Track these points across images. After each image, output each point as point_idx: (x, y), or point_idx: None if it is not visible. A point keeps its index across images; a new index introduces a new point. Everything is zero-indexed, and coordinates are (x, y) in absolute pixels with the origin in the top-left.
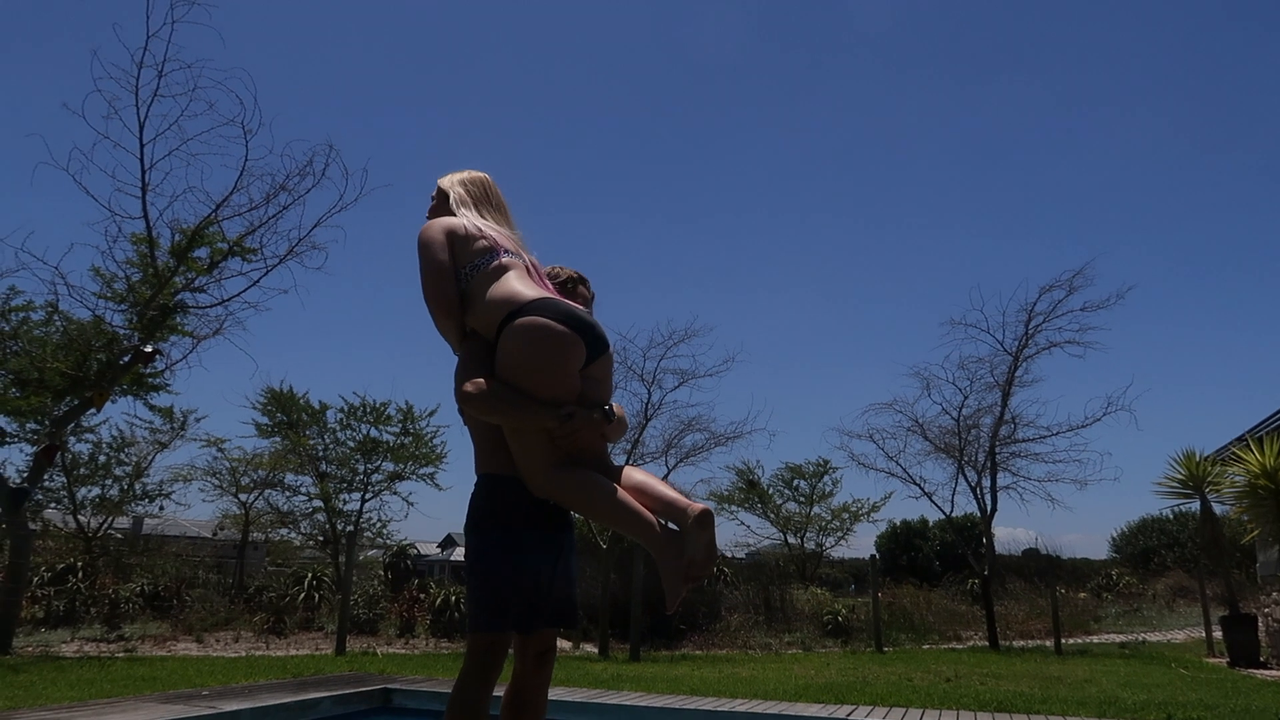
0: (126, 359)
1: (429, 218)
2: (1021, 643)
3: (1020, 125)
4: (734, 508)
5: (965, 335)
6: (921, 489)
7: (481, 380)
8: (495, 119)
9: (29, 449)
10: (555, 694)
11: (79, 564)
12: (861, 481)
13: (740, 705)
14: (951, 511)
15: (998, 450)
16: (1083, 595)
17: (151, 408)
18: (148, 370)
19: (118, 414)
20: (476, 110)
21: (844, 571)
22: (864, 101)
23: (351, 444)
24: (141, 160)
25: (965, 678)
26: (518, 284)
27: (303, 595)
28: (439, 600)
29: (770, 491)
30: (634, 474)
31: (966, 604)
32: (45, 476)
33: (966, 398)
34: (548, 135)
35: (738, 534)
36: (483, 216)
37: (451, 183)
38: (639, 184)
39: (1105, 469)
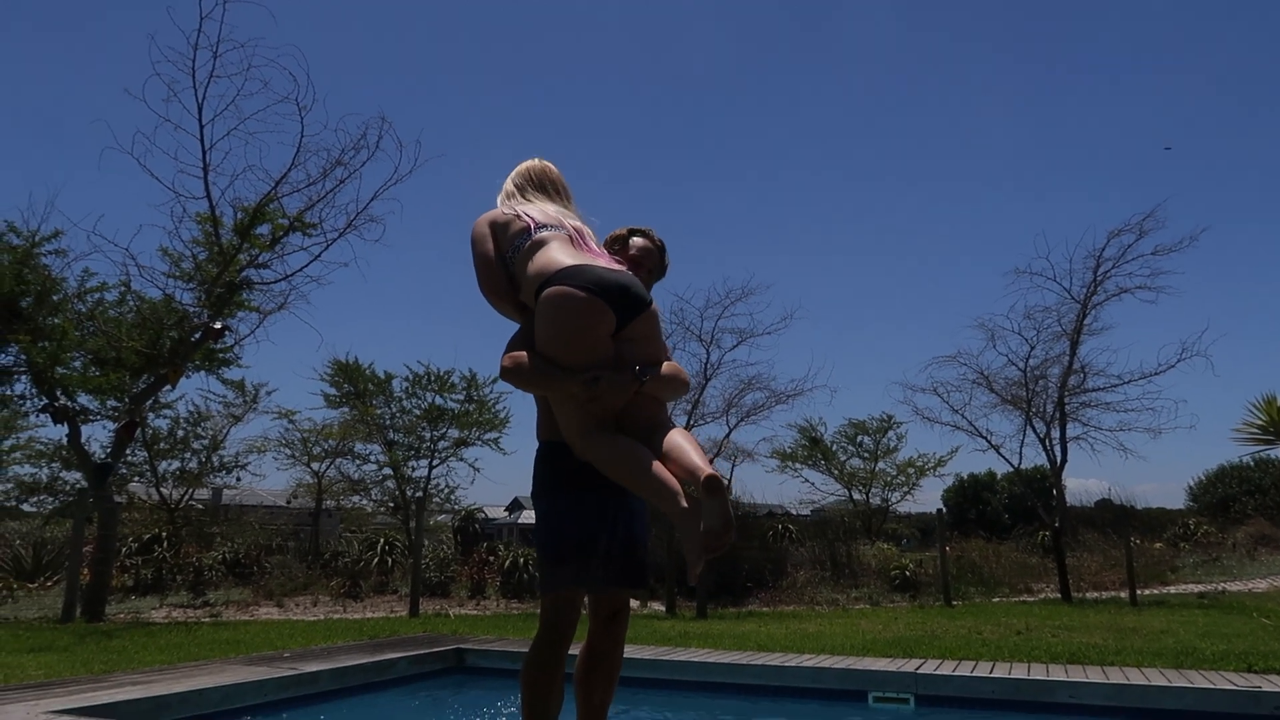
0: (197, 336)
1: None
2: (1095, 595)
3: (1084, 69)
4: (798, 465)
5: (1031, 284)
6: (988, 442)
7: (517, 354)
8: (550, 87)
9: (110, 425)
10: (624, 652)
11: (164, 534)
12: (926, 436)
13: (808, 660)
14: (1020, 464)
15: (1067, 400)
16: (1158, 545)
17: (224, 382)
18: (218, 346)
19: (192, 389)
20: (532, 79)
21: (910, 526)
22: (920, 55)
23: (417, 412)
24: (202, 141)
25: (1036, 630)
26: (555, 254)
27: (376, 560)
28: (508, 562)
29: (834, 448)
30: (674, 436)
31: (1037, 556)
32: (127, 451)
33: (1033, 348)
34: (603, 100)
35: (802, 491)
36: (526, 199)
37: (513, 177)
38: (694, 147)
39: (1180, 417)
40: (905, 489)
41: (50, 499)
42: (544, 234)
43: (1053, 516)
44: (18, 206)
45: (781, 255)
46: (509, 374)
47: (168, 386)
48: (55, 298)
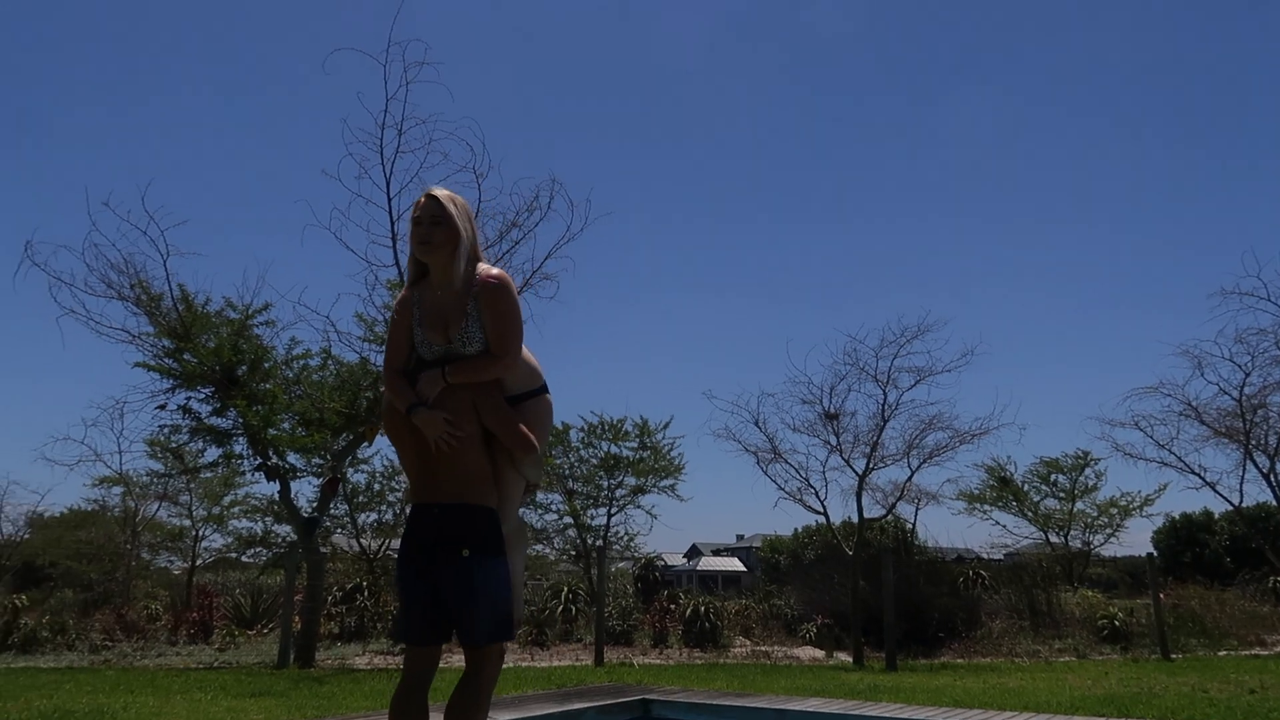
0: None
1: (460, 229)
2: None
3: (1267, 65)
4: (986, 507)
5: (1241, 305)
6: (1202, 479)
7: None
8: (712, 129)
9: (315, 481)
10: (812, 705)
11: (364, 583)
12: (1130, 473)
13: (1010, 718)
14: (1241, 502)
15: None
16: None
17: None
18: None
19: (387, 446)
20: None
21: (1117, 570)
22: (1110, 74)
23: (594, 461)
24: (390, 212)
25: (1274, 689)
26: (528, 352)
27: (560, 608)
28: (689, 610)
29: (1025, 488)
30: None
31: (1270, 604)
32: (331, 505)
33: (1248, 374)
34: (752, 147)
35: (993, 534)
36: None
37: (469, 216)
38: (867, 186)
39: None
40: (1109, 531)
41: (264, 551)
42: None
43: None
44: (234, 283)
45: (960, 290)
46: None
47: (365, 444)
48: (266, 365)
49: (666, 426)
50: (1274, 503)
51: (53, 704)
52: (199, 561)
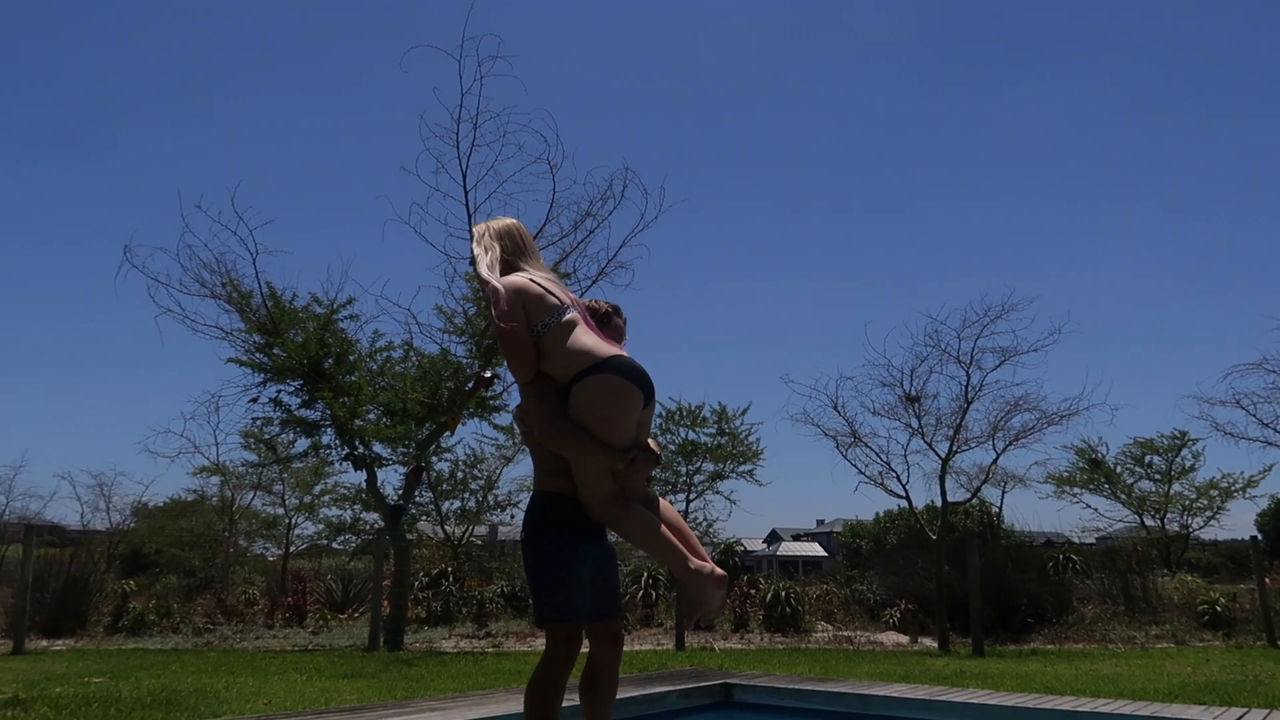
0: (470, 385)
1: (479, 262)
2: None
3: None
4: (1077, 490)
5: None
6: None
7: (567, 423)
8: (785, 114)
9: (400, 470)
10: (895, 690)
11: (449, 569)
12: (1231, 453)
13: (1104, 705)
14: None
15: None
16: None
17: (495, 426)
18: (489, 393)
19: (469, 434)
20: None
21: (1218, 555)
22: (1185, 48)
23: (672, 447)
24: (467, 206)
25: None
26: (586, 339)
27: (641, 593)
28: (769, 595)
29: (1118, 470)
30: (670, 512)
31: None
32: (415, 493)
33: None
34: (846, 121)
35: (1084, 518)
36: (531, 267)
37: (491, 235)
38: (947, 164)
39: None
40: (1209, 513)
41: (354, 538)
42: (571, 315)
43: None
44: (319, 279)
45: (1047, 269)
46: (557, 438)
47: (447, 433)
48: (351, 358)
49: (745, 412)
50: None
51: (160, 683)
52: (292, 548)
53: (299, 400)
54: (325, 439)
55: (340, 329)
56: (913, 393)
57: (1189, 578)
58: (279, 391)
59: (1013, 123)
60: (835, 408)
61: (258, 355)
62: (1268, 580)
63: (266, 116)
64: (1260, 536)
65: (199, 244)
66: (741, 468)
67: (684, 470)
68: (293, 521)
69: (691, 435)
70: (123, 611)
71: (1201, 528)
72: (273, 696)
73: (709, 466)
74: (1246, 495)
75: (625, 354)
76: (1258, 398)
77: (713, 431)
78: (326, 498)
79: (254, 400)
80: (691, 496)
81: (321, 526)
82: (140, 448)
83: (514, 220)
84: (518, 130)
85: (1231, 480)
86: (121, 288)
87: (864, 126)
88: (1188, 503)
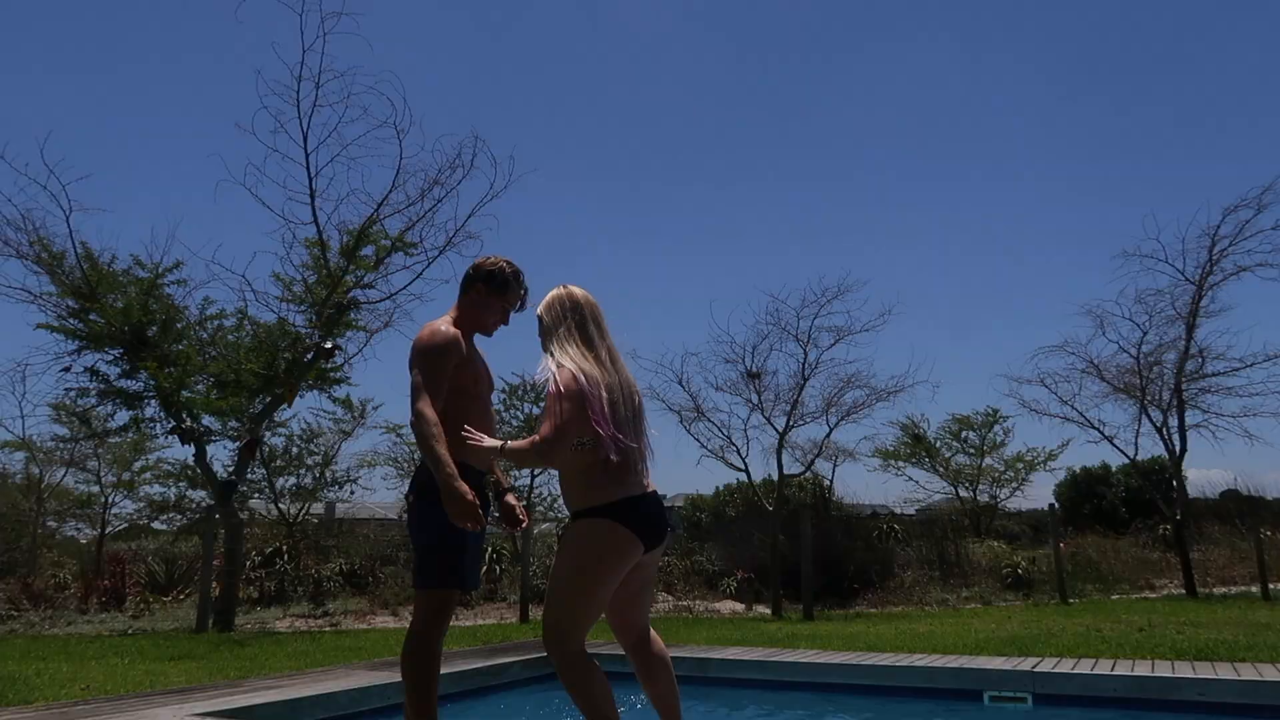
0: (309, 356)
1: (552, 335)
2: (1223, 590)
3: (1187, 33)
4: (901, 463)
5: (1141, 267)
6: (1101, 433)
7: (436, 428)
8: (630, 83)
9: (232, 445)
10: (732, 654)
11: (284, 548)
12: (1036, 429)
13: (919, 660)
14: (1136, 455)
15: (1185, 387)
16: None
17: (334, 400)
18: (329, 365)
19: (305, 408)
20: (618, 86)
21: (1022, 523)
22: (1009, 33)
23: (516, 422)
24: (308, 169)
25: (1160, 627)
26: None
27: (485, 569)
28: None
29: (938, 445)
30: (668, 671)
31: (1159, 551)
32: (248, 469)
33: (1146, 333)
34: (686, 97)
35: (906, 489)
36: (594, 351)
37: (564, 307)
38: (779, 142)
39: None
40: (1015, 485)
41: (179, 516)
42: (614, 454)
43: (1173, 509)
44: (142, 241)
45: (877, 251)
46: (420, 438)
47: (284, 406)
48: (179, 325)
49: None
50: (1166, 456)
51: None
52: (109, 529)
53: (119, 370)
54: (148, 411)
55: (166, 295)
56: (754, 369)
57: (996, 544)
58: (96, 361)
59: (853, 98)
60: (680, 383)
61: (71, 321)
62: (1062, 545)
63: (82, 60)
64: (1057, 505)
65: (1, 198)
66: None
67: None
68: (110, 500)
69: (536, 410)
70: None
71: (1008, 498)
72: (91, 681)
73: None
74: (1047, 468)
75: (649, 494)
76: (1059, 377)
77: None
78: (148, 474)
79: (66, 370)
80: (536, 472)
81: (142, 505)
82: None
83: (587, 295)
84: (363, 92)
85: (1035, 454)
86: None
87: (707, 101)
88: (997, 475)
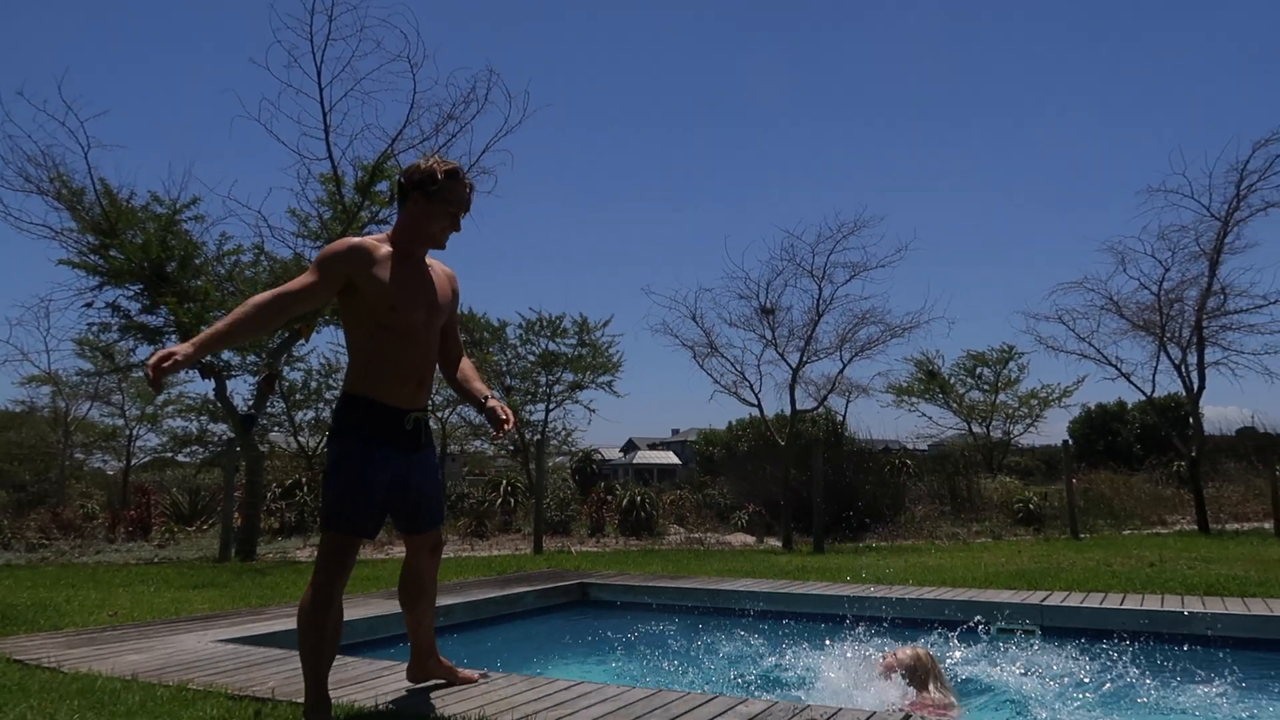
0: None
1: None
2: (1236, 526)
3: None
4: (914, 399)
5: (1166, 203)
6: (1118, 370)
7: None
8: (651, 30)
9: (251, 379)
10: (742, 585)
11: (303, 479)
12: (1051, 366)
13: (928, 592)
14: (1153, 392)
15: (1205, 324)
16: None
17: None
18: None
19: (323, 343)
20: (635, 25)
21: (1035, 459)
22: None
23: (532, 358)
24: (322, 103)
25: (1170, 562)
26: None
27: (500, 501)
28: (625, 501)
29: (951, 381)
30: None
31: (1172, 488)
32: (268, 403)
33: (1168, 270)
34: (710, 41)
35: (919, 425)
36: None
37: (927, 667)
38: (795, 82)
39: None
40: (1028, 421)
41: (201, 449)
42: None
43: (1189, 446)
44: (160, 177)
45: (895, 188)
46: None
47: (301, 341)
48: (197, 261)
49: (606, 325)
50: (1183, 393)
51: None
52: (134, 461)
53: (139, 305)
54: (169, 346)
55: (184, 231)
56: (768, 305)
57: (1008, 480)
58: (117, 296)
59: (868, 42)
60: (694, 318)
61: (92, 257)
62: (1075, 480)
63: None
64: (1070, 441)
65: (21, 135)
66: (600, 378)
67: (544, 380)
68: (134, 433)
69: (552, 346)
70: None
71: (1022, 434)
72: (119, 607)
73: (569, 376)
74: (1062, 405)
75: None
76: (1077, 313)
77: (573, 343)
78: (171, 409)
79: (89, 305)
80: (551, 406)
81: (166, 438)
82: None
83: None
84: (376, 25)
85: (1050, 390)
86: None
87: (724, 48)
88: (1011, 411)
